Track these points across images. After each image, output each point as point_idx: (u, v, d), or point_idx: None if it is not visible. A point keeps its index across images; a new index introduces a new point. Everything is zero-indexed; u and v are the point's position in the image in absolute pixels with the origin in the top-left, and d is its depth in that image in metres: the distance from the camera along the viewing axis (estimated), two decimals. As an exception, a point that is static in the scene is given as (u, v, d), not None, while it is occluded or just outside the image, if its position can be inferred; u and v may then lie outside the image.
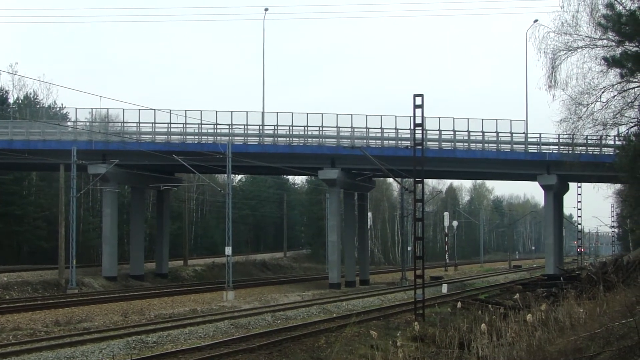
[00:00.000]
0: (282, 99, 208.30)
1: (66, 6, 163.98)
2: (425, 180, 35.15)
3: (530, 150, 56.04)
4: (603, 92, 36.36)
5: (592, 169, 51.05)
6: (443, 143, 55.73)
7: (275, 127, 55.90)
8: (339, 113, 55.96)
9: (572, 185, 65.68)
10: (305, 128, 55.72)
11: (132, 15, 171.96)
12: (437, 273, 76.42)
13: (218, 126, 55.14)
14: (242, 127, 55.70)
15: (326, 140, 56.04)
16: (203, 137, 55.56)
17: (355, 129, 55.88)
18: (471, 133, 55.62)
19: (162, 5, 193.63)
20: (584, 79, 36.85)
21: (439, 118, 55.29)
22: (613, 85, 35.86)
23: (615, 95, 36.33)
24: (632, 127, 39.32)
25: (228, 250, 48.27)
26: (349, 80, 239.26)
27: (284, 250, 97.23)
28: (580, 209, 70.64)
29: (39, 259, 67.59)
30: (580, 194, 69.55)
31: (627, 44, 33.19)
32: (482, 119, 55.82)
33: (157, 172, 58.46)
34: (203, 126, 55.24)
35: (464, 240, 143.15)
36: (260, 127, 55.99)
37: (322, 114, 55.73)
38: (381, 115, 55.89)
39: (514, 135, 55.73)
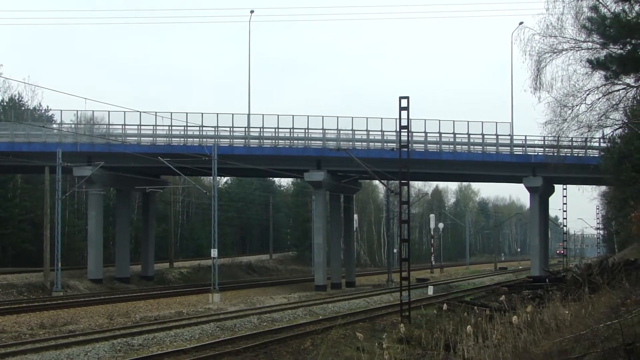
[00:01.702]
0: (268, 101, 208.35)
1: (51, 8, 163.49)
2: (411, 183, 35.18)
3: (515, 153, 56.19)
4: (588, 95, 36.51)
5: (577, 171, 51.25)
6: (429, 145, 55.77)
7: (261, 129, 55.83)
8: (324, 115, 56.05)
9: (558, 187, 65.90)
10: (291, 130, 55.70)
11: (118, 17, 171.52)
12: (423, 275, 76.55)
13: (204, 128, 55.08)
14: (228, 129, 55.61)
15: (312, 142, 56.04)
16: (189, 139, 55.48)
17: (341, 131, 55.93)
18: (457, 135, 55.72)
19: (148, 7, 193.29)
20: (568, 81, 36.99)
21: (425, 120, 55.41)
22: (598, 88, 36.01)
23: (600, 98, 36.49)
24: (617, 129, 39.55)
25: (214, 252, 48.15)
26: (335, 83, 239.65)
27: (270, 252, 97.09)
28: (565, 211, 70.77)
29: (24, 261, 67.26)
30: (565, 196, 69.73)
31: (611, 46, 33.34)
32: (468, 121, 55.98)
33: (142, 175, 58.28)
34: (189, 128, 55.19)
35: (449, 242, 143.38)
36: (246, 129, 55.91)
37: (308, 116, 55.83)
38: (367, 118, 56.02)
39: (499, 137, 55.83)
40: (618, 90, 35.95)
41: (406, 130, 31.31)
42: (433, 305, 37.47)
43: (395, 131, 49.07)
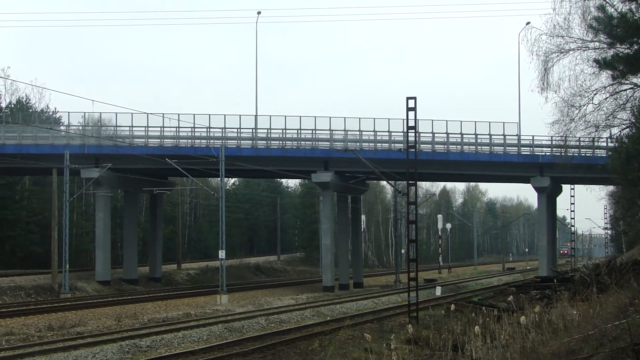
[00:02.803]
0: (276, 102, 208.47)
1: (58, 10, 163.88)
2: (419, 183, 35.24)
3: (523, 153, 56.06)
4: (595, 94, 36.54)
5: (584, 170, 51.14)
6: (436, 145, 55.67)
7: (269, 131, 55.82)
8: (332, 116, 56.06)
9: (565, 187, 65.75)
10: (299, 131, 55.68)
11: (125, 19, 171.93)
12: (430, 275, 76.47)
13: (211, 130, 55.07)
14: (236, 130, 55.60)
15: (319, 143, 55.99)
16: (196, 140, 55.47)
17: (349, 132, 55.85)
18: (464, 135, 55.60)
19: (155, 9, 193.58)
20: (576, 81, 37.03)
21: (432, 120, 55.29)
22: (605, 87, 36.03)
23: (607, 97, 36.51)
24: (624, 129, 39.49)
25: (221, 253, 48.13)
26: (342, 83, 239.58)
27: (278, 253, 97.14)
28: (573, 211, 70.66)
29: (32, 263, 67.42)
30: (573, 196, 69.61)
31: (618, 46, 33.31)
32: (475, 122, 55.83)
33: (150, 176, 58.35)
34: (196, 130, 55.17)
35: (457, 243, 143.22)
36: (254, 130, 55.89)
37: (315, 117, 55.73)
38: (374, 118, 55.93)
39: (506, 137, 55.71)
40: (625, 90, 35.95)
41: (414, 130, 31.28)
42: (441, 305, 37.46)
43: (403, 132, 49.08)
